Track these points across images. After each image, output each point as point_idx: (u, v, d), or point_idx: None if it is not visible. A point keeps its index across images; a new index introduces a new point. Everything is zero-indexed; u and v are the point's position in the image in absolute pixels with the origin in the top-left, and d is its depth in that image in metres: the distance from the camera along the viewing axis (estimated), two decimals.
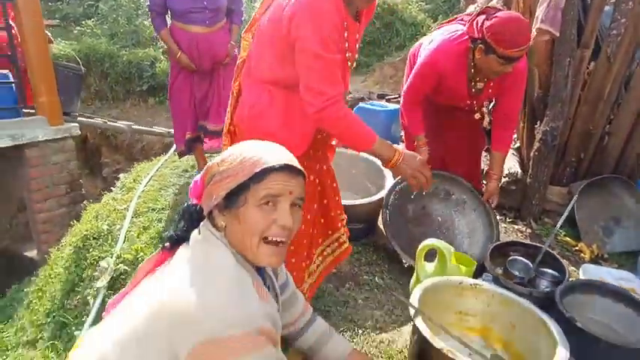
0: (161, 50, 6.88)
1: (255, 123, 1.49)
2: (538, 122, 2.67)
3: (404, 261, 2.21)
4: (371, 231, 2.57)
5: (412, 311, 1.45)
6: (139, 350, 0.78)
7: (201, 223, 0.93)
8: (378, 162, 2.98)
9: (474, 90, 2.22)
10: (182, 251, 0.91)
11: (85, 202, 4.00)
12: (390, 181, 2.57)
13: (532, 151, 2.69)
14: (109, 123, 4.97)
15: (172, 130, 4.85)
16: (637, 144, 2.64)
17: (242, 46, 1.60)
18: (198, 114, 3.13)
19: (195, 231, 0.91)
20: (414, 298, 1.50)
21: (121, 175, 3.51)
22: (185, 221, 0.95)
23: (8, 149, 3.59)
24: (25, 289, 2.91)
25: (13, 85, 3.69)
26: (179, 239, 0.93)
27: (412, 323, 1.75)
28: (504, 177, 2.91)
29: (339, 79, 1.39)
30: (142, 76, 6.60)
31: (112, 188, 3.37)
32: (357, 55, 1.56)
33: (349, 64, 1.50)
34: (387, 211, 2.32)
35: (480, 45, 1.99)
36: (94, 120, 5.04)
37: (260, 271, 0.94)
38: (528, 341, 1.55)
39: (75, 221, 2.99)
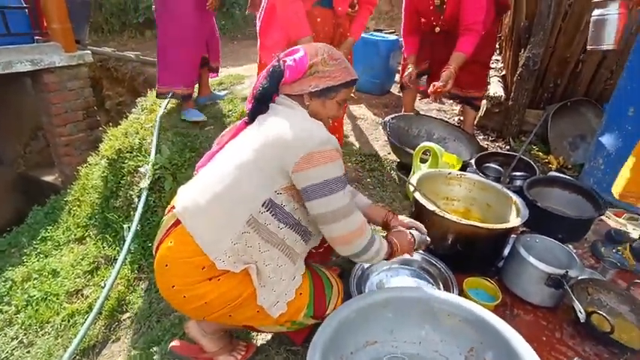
0: None
1: None
2: (522, 50, 3.00)
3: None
4: None
5: (411, 188, 1.87)
6: (254, 167, 1.15)
7: (280, 97, 1.28)
8: None
9: (437, 3, 2.63)
10: (266, 115, 1.25)
11: (100, 128, 4.27)
12: None
13: (515, 76, 3.04)
14: (117, 52, 5.08)
15: None
16: (605, 71, 3.01)
17: None
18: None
19: (272, 104, 1.27)
20: (413, 181, 1.92)
21: (140, 99, 3.76)
22: (270, 79, 1.25)
23: (26, 75, 3.78)
24: (64, 199, 3.27)
25: (27, 10, 3.79)
26: (261, 102, 1.27)
27: (411, 204, 2.18)
28: (489, 100, 3.29)
29: None
30: (138, 8, 6.57)
31: (133, 110, 3.64)
32: None
33: None
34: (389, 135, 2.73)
35: None
36: (103, 49, 5.13)
37: None
38: (500, 215, 1.99)
39: (108, 137, 3.27)
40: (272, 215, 1.17)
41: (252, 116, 1.30)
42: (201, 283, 1.17)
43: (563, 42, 2.98)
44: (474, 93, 2.98)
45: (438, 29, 2.77)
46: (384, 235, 1.39)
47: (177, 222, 1.21)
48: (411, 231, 1.41)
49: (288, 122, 1.18)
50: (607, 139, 2.56)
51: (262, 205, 1.16)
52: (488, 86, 3.40)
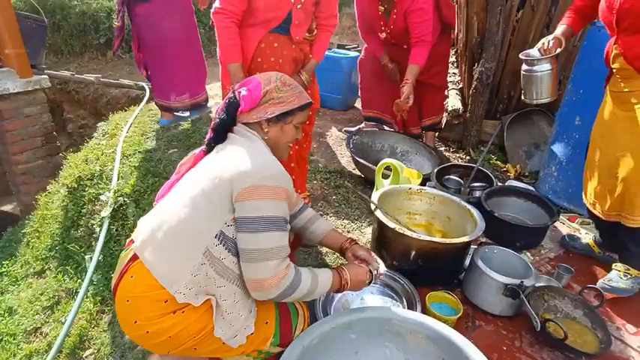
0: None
1: None
2: (476, 64, 3.12)
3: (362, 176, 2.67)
4: None
5: (373, 207, 1.90)
6: (207, 198, 1.15)
7: (237, 127, 1.29)
8: None
9: (383, 8, 2.74)
10: (224, 145, 1.26)
11: (60, 154, 4.14)
12: None
13: (471, 89, 3.16)
14: (76, 75, 4.96)
15: (141, 83, 4.94)
16: None
17: None
18: None
19: (231, 134, 1.28)
20: (374, 198, 1.95)
21: (100, 124, 3.67)
22: (227, 111, 1.28)
23: None
24: (22, 231, 3.14)
25: None
26: (219, 133, 1.29)
27: (373, 222, 2.21)
28: (448, 114, 3.40)
29: (235, 2, 1.83)
30: (99, 29, 6.45)
31: (94, 135, 3.55)
32: None
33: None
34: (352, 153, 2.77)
35: None
36: (61, 73, 4.98)
37: None
38: (460, 228, 2.05)
39: (68, 164, 3.18)
40: (225, 248, 1.17)
41: (209, 146, 1.32)
42: (164, 317, 1.15)
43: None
44: (434, 119, 3.18)
45: (384, 35, 2.88)
46: (338, 266, 1.37)
47: (136, 256, 1.20)
48: (369, 267, 1.40)
49: (243, 154, 1.19)
50: (558, 148, 2.68)
51: (215, 237, 1.16)
52: (447, 100, 3.51)
